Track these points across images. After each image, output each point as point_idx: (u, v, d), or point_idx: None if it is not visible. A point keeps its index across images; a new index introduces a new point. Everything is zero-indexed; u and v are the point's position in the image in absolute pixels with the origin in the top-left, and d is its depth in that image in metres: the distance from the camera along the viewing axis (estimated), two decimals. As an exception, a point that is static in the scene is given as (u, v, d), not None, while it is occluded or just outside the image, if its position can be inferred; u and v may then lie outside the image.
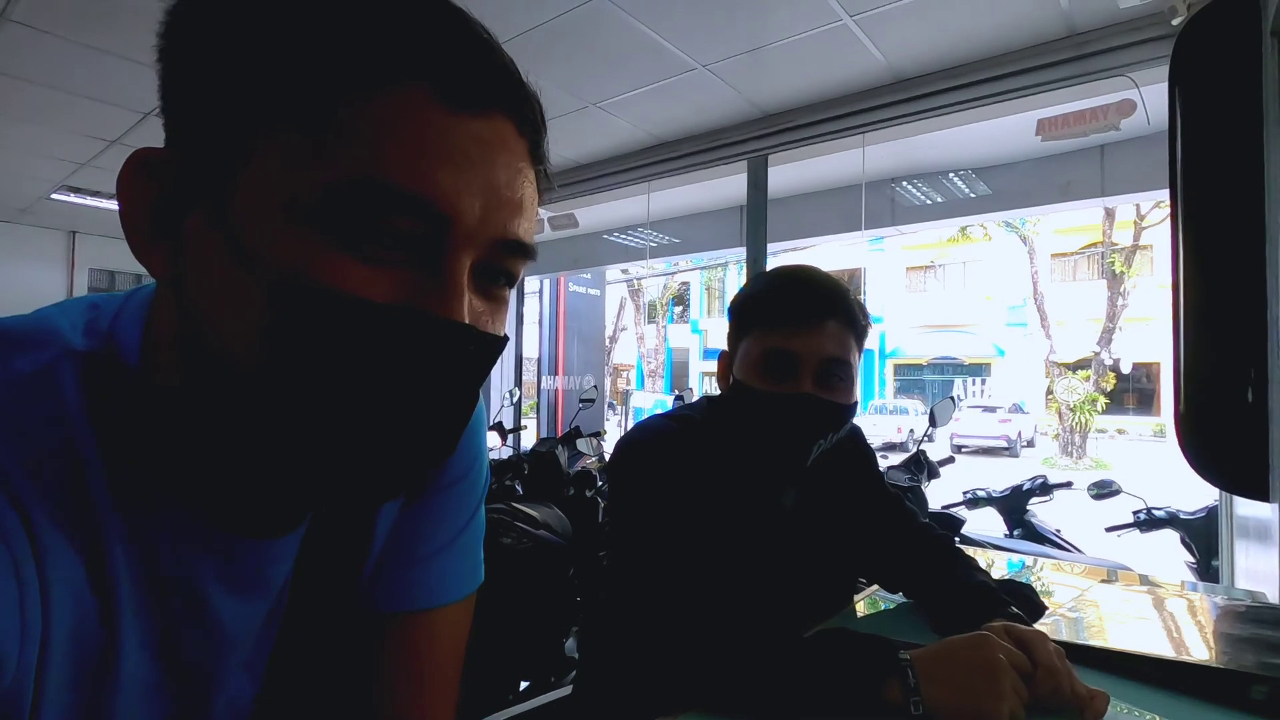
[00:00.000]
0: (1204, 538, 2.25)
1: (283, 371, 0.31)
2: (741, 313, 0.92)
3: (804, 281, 0.89)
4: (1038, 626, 0.79)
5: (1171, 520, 2.36)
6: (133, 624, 0.36)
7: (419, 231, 0.32)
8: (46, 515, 0.32)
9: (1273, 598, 1.21)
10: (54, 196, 4.35)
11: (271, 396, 0.32)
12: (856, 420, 0.98)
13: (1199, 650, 0.85)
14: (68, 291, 5.47)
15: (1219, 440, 1.46)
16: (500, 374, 5.12)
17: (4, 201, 4.61)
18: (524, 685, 2.18)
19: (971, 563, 0.96)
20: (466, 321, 0.33)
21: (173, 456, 0.36)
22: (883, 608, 1.06)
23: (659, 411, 1.01)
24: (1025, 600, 0.89)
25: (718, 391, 0.99)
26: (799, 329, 0.84)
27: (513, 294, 0.39)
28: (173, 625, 0.38)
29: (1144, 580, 1.17)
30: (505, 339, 0.37)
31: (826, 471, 0.97)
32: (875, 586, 1.11)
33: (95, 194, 4.24)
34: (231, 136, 0.32)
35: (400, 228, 0.32)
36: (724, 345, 0.97)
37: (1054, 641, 0.69)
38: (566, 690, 1.19)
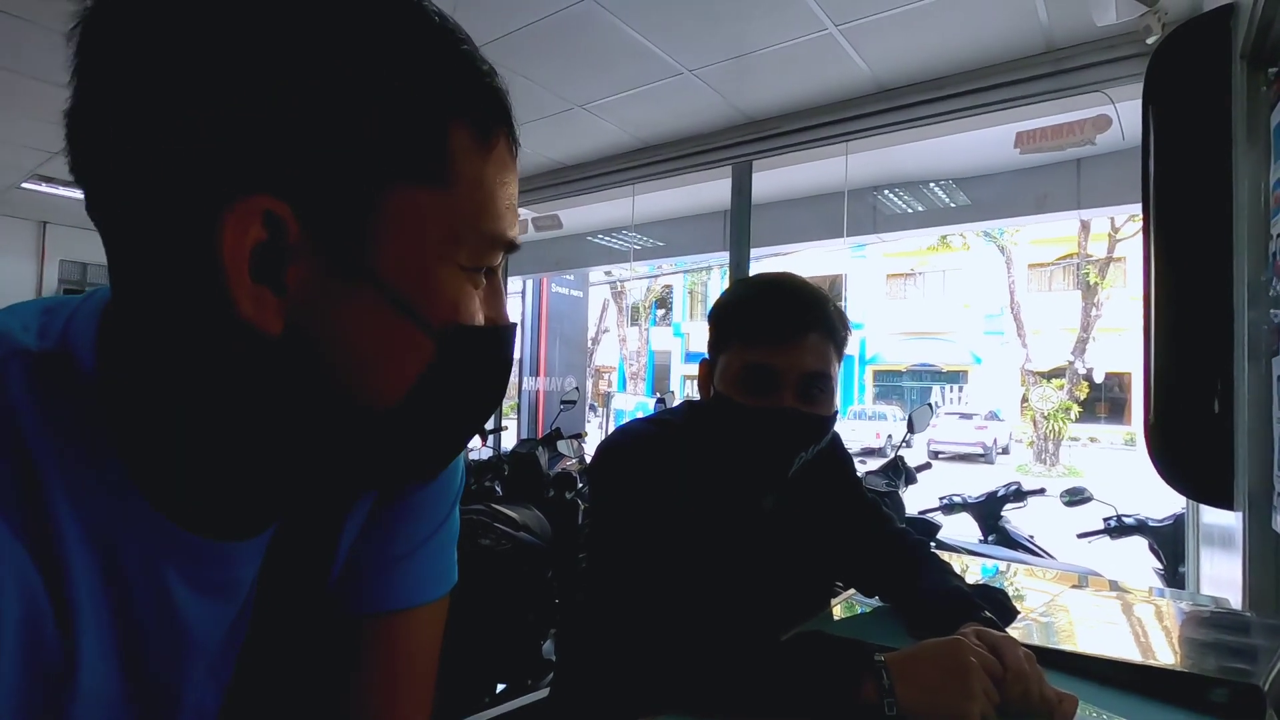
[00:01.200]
0: (1171, 544, 2.30)
1: (431, 401, 0.36)
2: (722, 323, 0.91)
3: (784, 294, 0.88)
4: (1010, 631, 0.80)
5: (1140, 527, 2.41)
6: (93, 630, 0.35)
7: None
8: None
9: (1236, 604, 1.24)
10: (24, 185, 4.25)
11: (409, 423, 0.36)
12: (837, 424, 0.99)
13: (1165, 654, 0.87)
14: (37, 282, 5.34)
15: (1186, 450, 1.49)
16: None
17: (-28, 190, 4.50)
18: (500, 688, 2.17)
19: (945, 567, 0.97)
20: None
21: (135, 459, 0.36)
22: (859, 611, 1.07)
23: (640, 414, 1.02)
24: (998, 605, 0.91)
25: (698, 397, 0.99)
26: (779, 344, 0.84)
27: None
28: (136, 630, 0.37)
29: (1113, 586, 1.19)
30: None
31: (805, 476, 0.98)
32: (852, 590, 1.12)
33: (67, 184, 4.15)
34: (360, 191, 0.32)
35: (496, 264, 0.38)
36: (705, 350, 0.97)
37: (1025, 646, 0.71)
38: (543, 693, 1.19)
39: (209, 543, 0.39)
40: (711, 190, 4.00)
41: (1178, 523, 2.28)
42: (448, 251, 0.35)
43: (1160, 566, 2.37)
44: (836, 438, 1.10)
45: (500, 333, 0.39)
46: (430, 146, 0.33)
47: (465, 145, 0.34)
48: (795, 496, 0.99)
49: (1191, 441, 1.39)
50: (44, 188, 4.25)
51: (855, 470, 1.11)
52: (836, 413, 0.90)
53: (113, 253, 0.34)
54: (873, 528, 1.05)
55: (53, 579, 0.33)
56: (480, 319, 0.37)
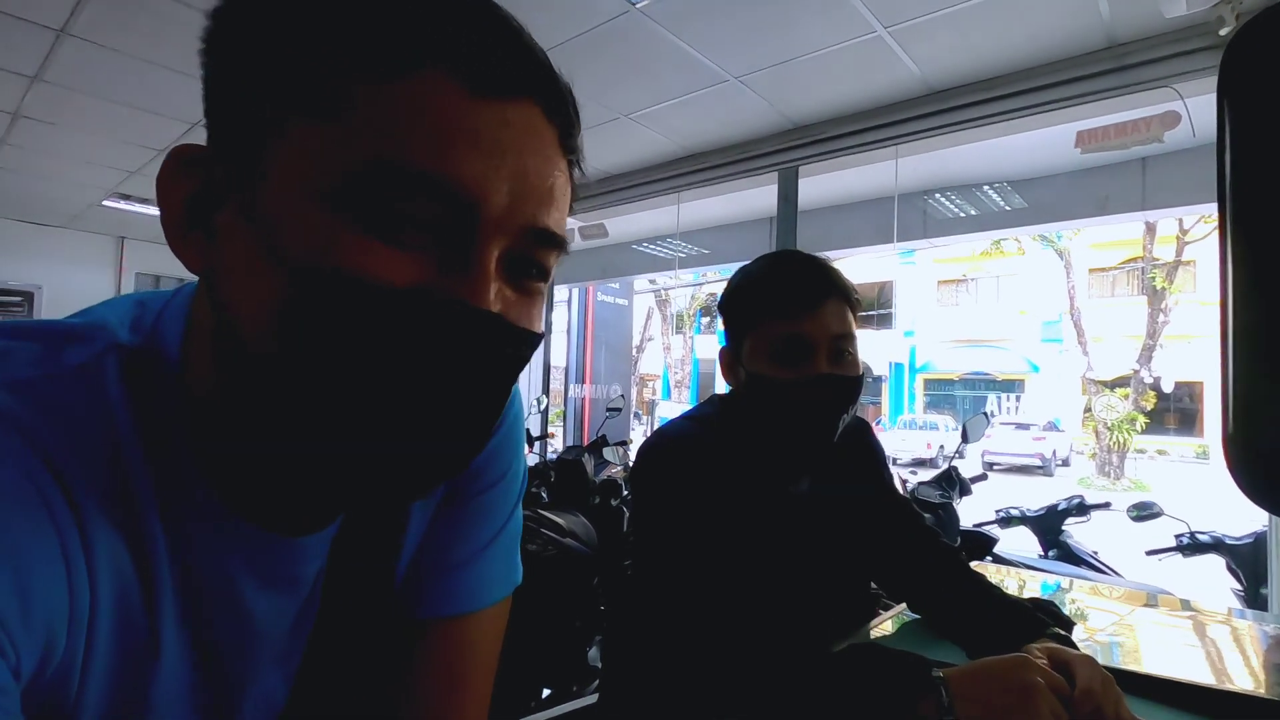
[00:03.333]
0: (1252, 564, 2.16)
1: (303, 358, 0.31)
2: (740, 306, 0.92)
3: (798, 264, 0.90)
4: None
5: (1217, 545, 2.28)
6: (172, 613, 0.37)
7: (444, 217, 0.32)
8: (91, 498, 0.33)
9: (1326, 628, 1.15)
10: (105, 203, 4.52)
11: (293, 385, 0.32)
12: (885, 435, 0.97)
13: (1249, 680, 0.82)
14: (115, 293, 5.65)
15: (1270, 463, 1.40)
16: (529, 381, 5.18)
17: (59, 208, 4.81)
18: (546, 693, 2.18)
19: (982, 578, 0.93)
20: (494, 309, 0.33)
21: (208, 450, 0.37)
22: (895, 628, 1.03)
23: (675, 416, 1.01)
24: (1055, 619, 0.87)
25: (726, 390, 0.98)
26: (805, 312, 0.86)
27: (545, 291, 0.38)
28: (205, 619, 0.39)
29: (1186, 605, 1.13)
30: (540, 334, 0.36)
31: (837, 461, 0.97)
32: (903, 605, 1.09)
33: (144, 201, 4.40)
34: (256, 128, 0.32)
35: (424, 213, 0.31)
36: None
37: (1104, 668, 0.67)
38: (588, 700, 1.19)
39: (272, 537, 0.40)
40: (757, 197, 3.97)
41: (1258, 541, 2.14)
42: (324, 185, 0.31)
43: (1239, 587, 2.23)
44: (868, 428, 1.08)
45: (411, 297, 0.31)
46: (316, 79, 0.31)
47: (367, 76, 0.31)
48: (829, 480, 0.97)
49: (1276, 454, 1.30)
50: (123, 205, 4.51)
51: (886, 459, 1.09)
52: (864, 374, 0.91)
53: None
54: (903, 524, 1.02)
55: (139, 560, 0.35)
56: (395, 279, 0.31)
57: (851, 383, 0.87)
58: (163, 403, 0.37)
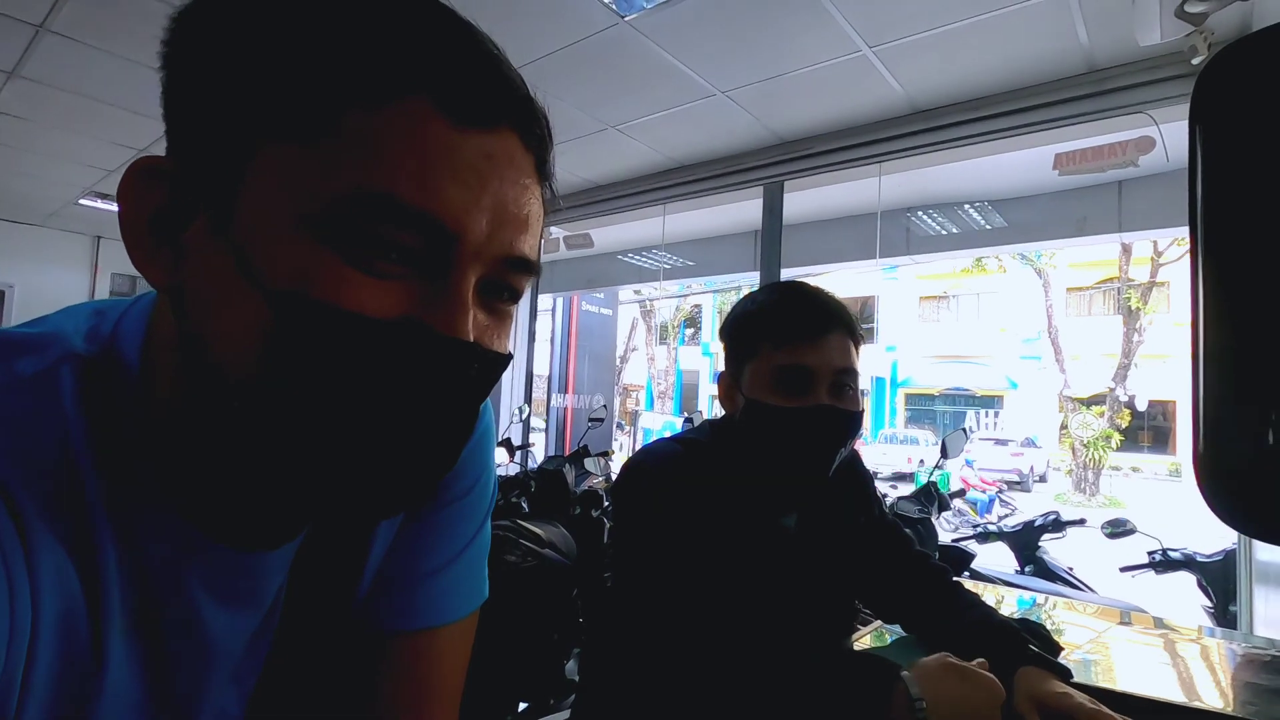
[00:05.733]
0: (1222, 582, 2.20)
1: (281, 385, 0.31)
2: (743, 333, 0.92)
3: (805, 295, 0.90)
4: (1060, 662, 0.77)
5: (1188, 562, 2.31)
6: (120, 631, 0.35)
7: (425, 247, 0.32)
8: (39, 513, 0.32)
9: (1293, 647, 1.17)
10: (81, 202, 4.44)
11: (268, 410, 0.31)
12: (866, 448, 0.97)
13: (1222, 699, 0.83)
14: (90, 294, 5.56)
15: (1239, 482, 1.42)
16: (510, 390, 5.15)
17: (34, 205, 4.72)
18: (522, 706, 2.15)
19: (975, 598, 0.94)
20: (471, 338, 0.33)
21: (166, 464, 0.36)
22: (889, 640, 1.04)
23: (667, 434, 1.01)
24: (1040, 640, 0.88)
25: (722, 414, 0.98)
26: (808, 343, 0.85)
27: (524, 311, 0.39)
28: (159, 635, 0.37)
29: (1160, 624, 1.14)
30: (509, 356, 0.37)
31: (828, 493, 0.96)
32: (879, 622, 1.09)
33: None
34: (234, 146, 0.32)
35: (406, 243, 0.31)
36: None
37: (1082, 687, 0.70)
38: (564, 714, 1.17)
39: (232, 552, 0.39)
40: (743, 210, 4.00)
41: (1228, 559, 2.18)
42: (305, 211, 0.30)
43: (1210, 604, 2.26)
44: (856, 455, 1.08)
45: (393, 328, 0.31)
46: (298, 102, 0.31)
47: (353, 103, 0.31)
48: (819, 514, 0.97)
49: (1244, 475, 1.33)
50: (99, 204, 4.44)
51: (875, 488, 1.10)
52: (863, 410, 0.91)
53: None
54: (894, 549, 1.03)
55: (88, 577, 0.34)
56: (372, 309, 0.31)
57: (851, 417, 0.87)
58: (120, 414, 0.36)
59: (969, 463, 10.04)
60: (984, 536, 2.75)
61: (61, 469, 0.33)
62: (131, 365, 0.36)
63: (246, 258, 0.31)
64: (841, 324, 0.87)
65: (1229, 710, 0.75)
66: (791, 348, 0.85)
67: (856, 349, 0.89)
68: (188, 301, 0.33)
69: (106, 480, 0.34)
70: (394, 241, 0.31)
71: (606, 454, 3.46)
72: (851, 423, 0.87)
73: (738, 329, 0.92)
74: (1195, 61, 1.59)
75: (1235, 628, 1.96)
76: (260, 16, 0.32)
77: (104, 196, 4.32)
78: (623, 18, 2.10)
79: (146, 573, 0.36)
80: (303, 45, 0.31)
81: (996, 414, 17.57)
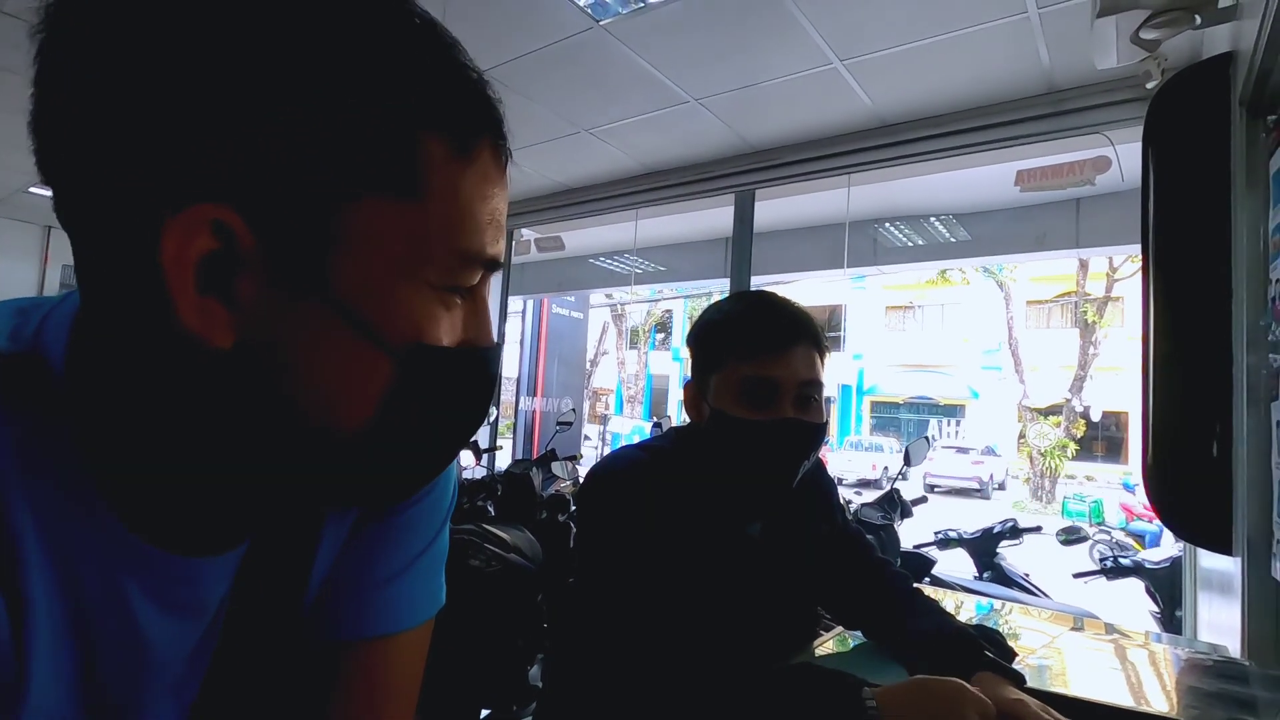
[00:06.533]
0: (1168, 588, 2.28)
1: (395, 424, 0.34)
2: (709, 343, 0.91)
3: (772, 307, 0.90)
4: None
5: (1137, 569, 2.39)
6: (47, 646, 0.34)
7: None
8: None
9: (1234, 652, 1.22)
10: (31, 190, 4.27)
11: (376, 447, 0.34)
12: (831, 455, 0.98)
13: (1167, 703, 0.85)
14: (39, 286, 5.34)
15: (1185, 493, 1.48)
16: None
17: (-21, 192, 4.53)
18: (485, 713, 2.13)
19: (934, 605, 0.96)
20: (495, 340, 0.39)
21: (112, 473, 0.35)
22: (851, 645, 1.05)
23: (636, 439, 1.01)
24: (996, 646, 0.89)
25: (689, 421, 0.98)
26: (774, 355, 0.85)
27: (494, 313, 0.41)
28: (93, 646, 0.36)
29: (1110, 629, 1.17)
30: (501, 342, 0.41)
31: (792, 502, 0.97)
32: (841, 628, 1.10)
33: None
34: (320, 203, 0.30)
35: (474, 283, 0.36)
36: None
37: (1035, 693, 0.70)
38: (527, 721, 1.16)
39: (174, 558, 0.37)
40: (714, 217, 4.03)
41: (1175, 566, 2.26)
42: (414, 268, 0.32)
43: (1157, 609, 2.34)
44: (821, 463, 1.09)
45: (476, 354, 0.37)
46: (396, 156, 0.31)
47: (439, 155, 0.32)
48: (783, 522, 0.98)
49: (1190, 485, 1.37)
50: (49, 193, 4.27)
51: (839, 496, 1.11)
52: (828, 422, 0.91)
53: (76, 255, 0.33)
54: (856, 556, 1.04)
55: (10, 590, 0.32)
56: (450, 339, 0.35)
57: (815, 430, 0.87)
58: (44, 415, 0.34)
59: (1127, 486, 8.67)
60: (945, 543, 2.80)
61: None
62: (56, 366, 0.35)
63: (354, 313, 0.32)
64: (807, 336, 0.87)
65: (1173, 714, 0.78)
66: (757, 360, 0.85)
67: (822, 360, 0.90)
68: (263, 356, 0.31)
69: (29, 482, 0.33)
70: (470, 284, 0.36)
71: (574, 458, 3.44)
72: (815, 435, 0.87)
73: (704, 339, 0.92)
74: (1149, 86, 1.66)
75: (1180, 633, 2.03)
76: (309, 61, 0.30)
77: (56, 185, 4.16)
78: (597, 22, 2.11)
79: (80, 580, 0.34)
80: (379, 92, 0.31)
81: (958, 423, 17.97)
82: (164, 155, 0.29)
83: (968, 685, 0.67)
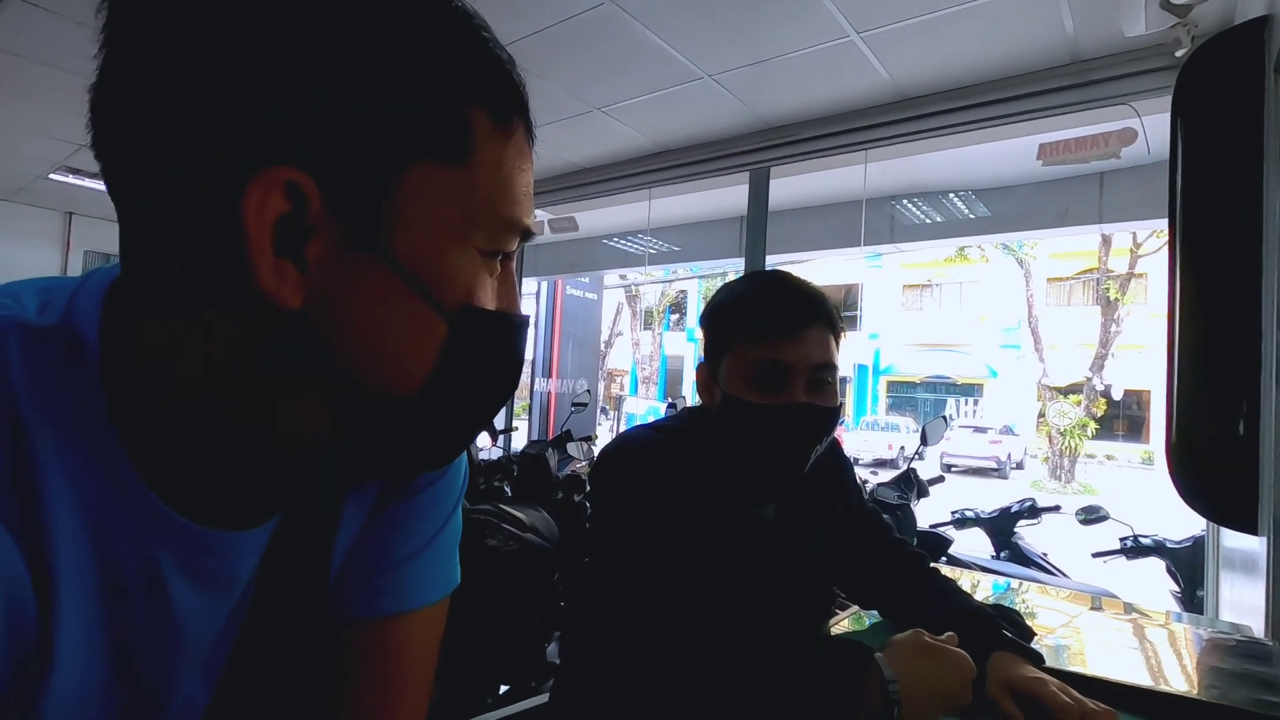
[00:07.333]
0: (1189, 568, 2.26)
1: (444, 387, 0.36)
2: (722, 324, 0.90)
3: (785, 288, 0.87)
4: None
5: (1158, 549, 2.37)
6: (78, 619, 0.34)
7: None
8: None
9: (1258, 631, 1.21)
10: (52, 177, 4.32)
11: (425, 409, 0.36)
12: (847, 435, 0.98)
13: (1188, 683, 0.85)
14: (62, 271, 5.43)
15: (1209, 471, 1.46)
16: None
17: (1, 180, 4.58)
18: (504, 689, 2.16)
19: (951, 584, 0.95)
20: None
21: (147, 446, 0.35)
22: (867, 624, 1.05)
23: (651, 419, 1.00)
24: (1015, 627, 0.89)
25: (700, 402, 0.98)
26: (786, 338, 0.83)
27: None
28: (126, 619, 0.36)
29: (1130, 609, 1.17)
30: None
31: (806, 483, 0.97)
32: (856, 608, 1.10)
33: (93, 175, 4.21)
34: (378, 165, 0.32)
35: (512, 250, 0.38)
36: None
37: (1054, 672, 0.71)
38: (546, 697, 1.18)
39: (207, 532, 0.38)
40: (728, 196, 3.99)
41: (1196, 545, 2.23)
42: (465, 232, 0.35)
43: (1178, 589, 2.32)
44: (836, 444, 1.08)
45: (513, 320, 0.39)
46: (451, 126, 0.34)
47: (485, 128, 0.35)
48: (798, 503, 0.97)
49: (1215, 463, 1.35)
50: (71, 179, 4.32)
51: (855, 477, 1.10)
52: (843, 405, 0.90)
53: (129, 228, 0.34)
54: (872, 536, 1.03)
55: (37, 563, 0.32)
56: (494, 304, 0.37)
57: (829, 414, 0.85)
58: (78, 387, 0.34)
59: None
60: (961, 523, 2.79)
61: (8, 443, 0.32)
62: (90, 339, 0.35)
63: (412, 274, 0.33)
64: (821, 317, 0.85)
65: (1194, 694, 0.77)
66: (769, 343, 0.83)
67: (836, 341, 0.88)
68: (334, 316, 0.33)
69: (64, 456, 0.33)
70: (509, 251, 0.38)
71: (589, 439, 3.46)
72: (828, 420, 0.86)
73: (715, 321, 0.90)
74: (1179, 54, 1.60)
75: (1202, 612, 2.01)
76: (374, 34, 0.32)
77: (76, 171, 4.20)
78: (609, -3, 2.07)
79: (114, 553, 0.35)
80: (436, 66, 0.33)
81: (976, 402, 17.81)
82: (243, 123, 0.31)
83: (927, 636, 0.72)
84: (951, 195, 4.00)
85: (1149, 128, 2.47)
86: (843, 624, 1.06)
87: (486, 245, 0.36)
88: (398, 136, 0.32)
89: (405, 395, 0.35)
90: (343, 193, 0.32)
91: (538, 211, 4.39)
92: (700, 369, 0.93)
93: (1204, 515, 1.55)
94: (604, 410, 14.88)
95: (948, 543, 2.57)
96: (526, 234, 0.38)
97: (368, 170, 0.32)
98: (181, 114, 0.31)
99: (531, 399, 7.98)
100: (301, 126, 0.31)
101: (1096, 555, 2.50)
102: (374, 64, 0.32)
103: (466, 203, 0.34)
